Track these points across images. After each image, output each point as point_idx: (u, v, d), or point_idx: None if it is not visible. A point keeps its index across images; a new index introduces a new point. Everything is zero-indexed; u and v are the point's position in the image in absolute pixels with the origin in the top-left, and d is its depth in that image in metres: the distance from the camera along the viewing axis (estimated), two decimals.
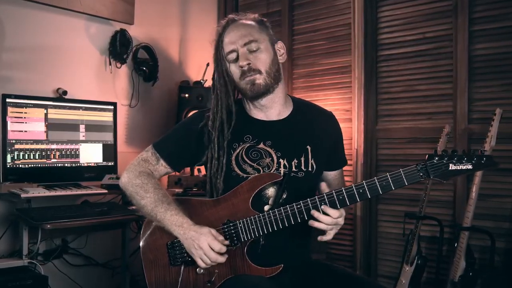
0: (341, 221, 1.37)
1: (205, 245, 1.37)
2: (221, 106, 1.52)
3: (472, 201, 2.25)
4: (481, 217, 2.41)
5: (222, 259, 1.39)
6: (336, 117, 1.67)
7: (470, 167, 1.28)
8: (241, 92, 1.54)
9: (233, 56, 1.50)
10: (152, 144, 1.60)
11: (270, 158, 1.50)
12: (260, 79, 1.48)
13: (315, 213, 1.35)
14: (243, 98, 1.58)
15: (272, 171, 1.49)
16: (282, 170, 1.49)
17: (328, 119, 1.63)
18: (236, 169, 1.50)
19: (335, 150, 1.62)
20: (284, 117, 1.57)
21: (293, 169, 1.50)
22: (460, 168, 1.28)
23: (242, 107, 1.59)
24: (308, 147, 1.53)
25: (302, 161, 1.51)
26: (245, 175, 1.49)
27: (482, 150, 1.30)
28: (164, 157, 1.57)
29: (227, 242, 1.41)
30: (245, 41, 1.48)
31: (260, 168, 1.49)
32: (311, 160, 1.52)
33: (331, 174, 1.63)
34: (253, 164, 1.49)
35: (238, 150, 1.51)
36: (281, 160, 1.50)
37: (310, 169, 1.52)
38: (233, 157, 1.51)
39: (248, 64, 1.47)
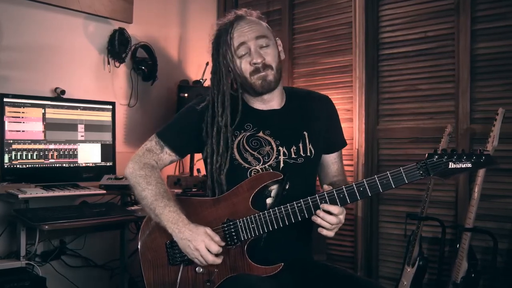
0: (342, 218, 1.37)
1: (201, 246, 1.37)
2: (227, 103, 1.51)
3: (474, 202, 2.24)
4: (484, 218, 2.40)
5: (219, 261, 1.39)
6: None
7: (469, 165, 1.29)
8: (249, 87, 1.52)
9: (243, 50, 1.50)
10: (155, 133, 1.60)
11: (270, 147, 1.52)
12: (271, 76, 1.49)
13: (320, 213, 1.35)
14: (242, 90, 1.57)
15: (272, 159, 1.50)
16: (282, 158, 1.50)
17: (321, 102, 1.65)
18: (238, 157, 1.50)
19: (332, 131, 1.62)
20: (280, 107, 1.59)
21: (293, 155, 1.52)
22: (460, 166, 1.29)
23: (240, 97, 1.58)
24: (304, 133, 1.55)
25: (301, 147, 1.53)
26: (246, 165, 1.49)
27: (481, 149, 1.31)
28: (168, 145, 1.57)
29: (223, 244, 1.40)
30: (256, 35, 1.49)
31: (260, 157, 1.50)
32: (309, 145, 1.54)
33: (330, 157, 1.63)
34: (253, 152, 1.51)
35: (239, 138, 1.53)
36: (280, 148, 1.52)
37: (308, 154, 1.54)
38: (235, 145, 1.52)
39: (262, 59, 1.48)
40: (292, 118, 1.57)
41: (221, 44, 1.52)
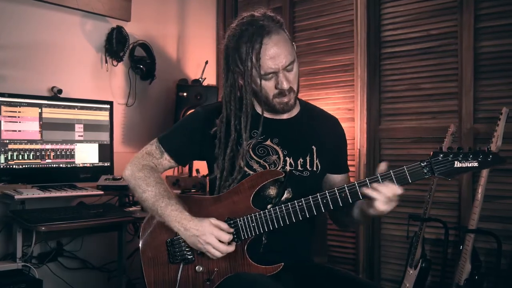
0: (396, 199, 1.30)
1: (212, 239, 1.35)
2: (249, 124, 1.47)
3: (478, 203, 2.21)
4: (487, 219, 2.38)
5: (232, 248, 1.37)
6: (339, 117, 1.69)
7: (476, 164, 1.25)
8: (268, 105, 1.48)
9: (271, 75, 1.43)
10: (157, 138, 1.58)
11: (277, 156, 1.49)
12: (292, 99, 1.47)
13: (373, 184, 1.29)
14: (253, 97, 1.51)
15: (278, 169, 1.47)
16: (288, 168, 1.48)
17: (333, 123, 1.63)
18: (242, 164, 1.48)
19: (338, 154, 1.61)
20: (291, 116, 1.57)
21: (299, 168, 1.50)
22: (466, 165, 1.26)
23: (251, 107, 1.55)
24: (313, 147, 1.53)
25: (308, 161, 1.51)
26: (251, 172, 1.47)
27: (488, 147, 1.28)
28: (168, 151, 1.55)
29: (231, 230, 1.38)
30: (286, 65, 1.41)
31: (267, 165, 1.48)
32: (316, 160, 1.52)
33: (338, 178, 1.60)
34: (259, 160, 1.49)
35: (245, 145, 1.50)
36: (287, 158, 1.49)
37: (315, 169, 1.51)
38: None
39: (289, 85, 1.44)
40: (302, 130, 1.55)
41: (243, 58, 1.41)
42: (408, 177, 1.30)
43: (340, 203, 1.34)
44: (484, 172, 2.21)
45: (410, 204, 2.66)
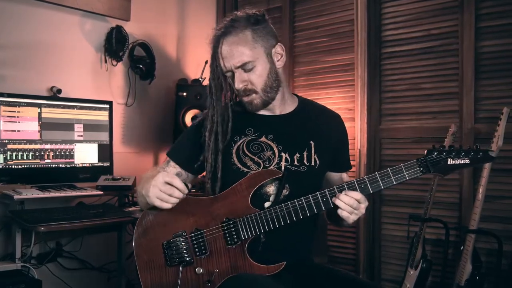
0: (362, 208, 1.37)
1: (159, 180, 1.35)
2: (217, 113, 1.51)
3: (479, 203, 2.21)
4: (488, 219, 2.37)
5: (177, 193, 1.36)
6: None
7: (467, 161, 1.33)
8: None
9: (229, 74, 1.50)
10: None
11: (271, 152, 1.50)
12: (256, 99, 1.49)
13: (340, 195, 1.35)
14: None
15: (273, 165, 1.48)
16: (283, 164, 1.48)
17: (334, 119, 1.63)
18: (236, 162, 1.49)
19: (340, 151, 1.61)
20: (287, 112, 1.57)
21: (295, 163, 1.50)
22: (458, 162, 1.32)
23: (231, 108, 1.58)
24: (311, 142, 1.52)
25: (305, 156, 1.51)
26: (245, 169, 1.47)
27: (478, 145, 1.36)
28: (173, 158, 1.59)
29: (180, 185, 1.37)
30: (238, 65, 1.46)
31: (261, 162, 1.48)
32: (314, 155, 1.51)
33: (337, 175, 1.61)
34: (253, 157, 1.49)
35: (239, 143, 1.51)
36: (282, 154, 1.50)
37: (313, 164, 1.51)
38: (234, 150, 1.50)
39: (244, 85, 1.47)
40: (299, 126, 1.55)
41: (213, 59, 1.51)
42: (405, 174, 1.33)
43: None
44: (485, 172, 2.20)
45: (410, 204, 2.67)
